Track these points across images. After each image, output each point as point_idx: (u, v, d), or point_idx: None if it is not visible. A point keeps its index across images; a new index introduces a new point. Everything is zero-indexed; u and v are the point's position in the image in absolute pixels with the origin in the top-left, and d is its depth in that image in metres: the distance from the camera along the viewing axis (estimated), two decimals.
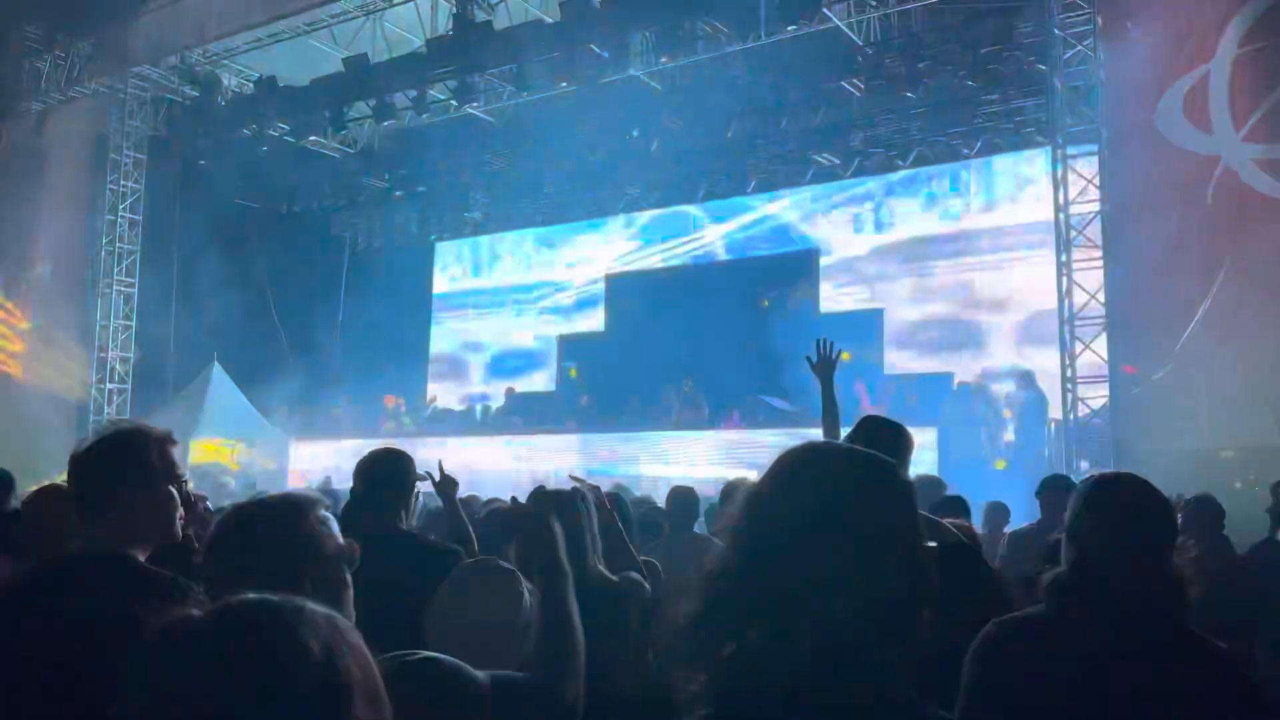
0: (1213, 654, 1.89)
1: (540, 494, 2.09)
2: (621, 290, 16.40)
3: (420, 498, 3.58)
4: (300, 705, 0.93)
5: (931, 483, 4.99)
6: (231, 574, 1.59)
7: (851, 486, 1.26)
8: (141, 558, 2.10)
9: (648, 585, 3.11)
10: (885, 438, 3.17)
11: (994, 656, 1.95)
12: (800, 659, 1.17)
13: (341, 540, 1.73)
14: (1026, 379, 10.98)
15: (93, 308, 14.24)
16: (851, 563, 1.19)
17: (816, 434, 7.80)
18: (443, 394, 17.11)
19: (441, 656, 1.71)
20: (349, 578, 1.71)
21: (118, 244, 14.42)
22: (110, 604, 1.81)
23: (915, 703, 1.21)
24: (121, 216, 14.46)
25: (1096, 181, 9.46)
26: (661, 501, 5.69)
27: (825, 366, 4.39)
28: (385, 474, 3.33)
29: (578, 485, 3.17)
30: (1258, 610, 4.18)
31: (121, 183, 14.48)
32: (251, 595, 1.00)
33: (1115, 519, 1.97)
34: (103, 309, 14.29)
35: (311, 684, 0.94)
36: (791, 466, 1.30)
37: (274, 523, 1.70)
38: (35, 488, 3.26)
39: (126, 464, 2.12)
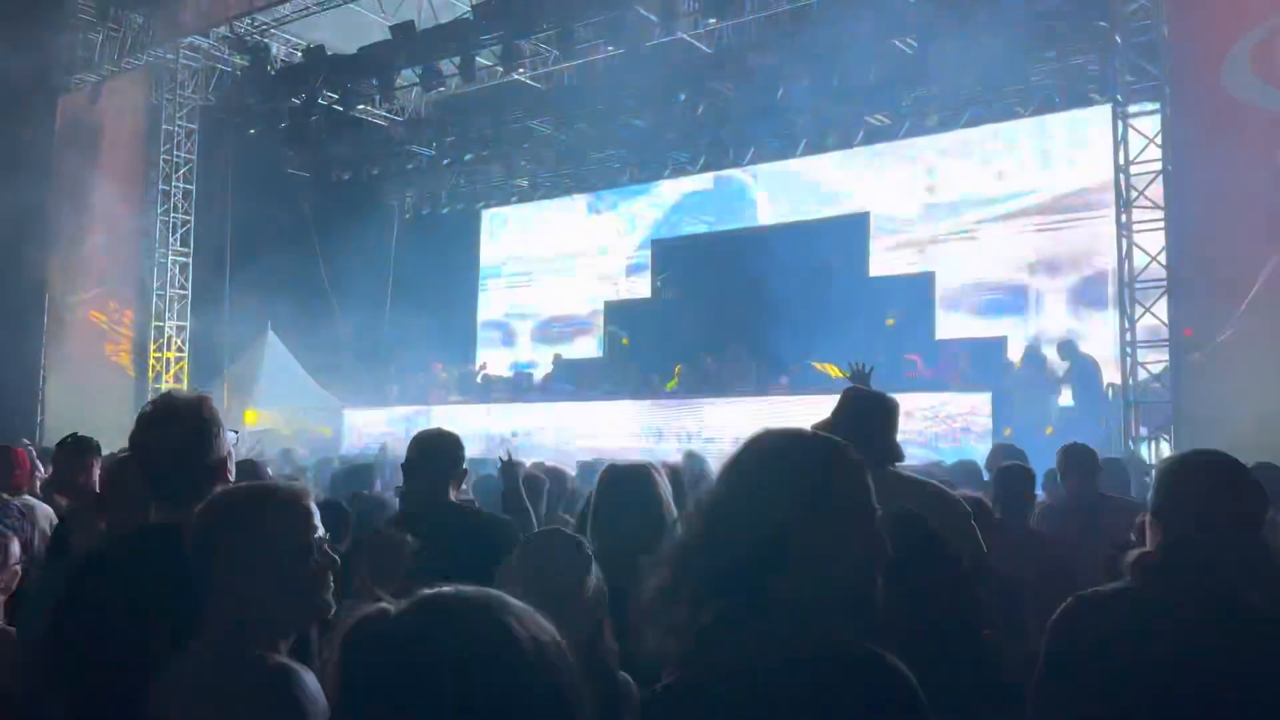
0: None
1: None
2: (669, 256, 16.34)
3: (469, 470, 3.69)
4: (517, 696, 0.95)
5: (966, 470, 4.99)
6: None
7: (812, 469, 1.34)
8: None
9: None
10: (867, 408, 3.27)
11: (1073, 630, 1.92)
12: (764, 632, 1.24)
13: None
14: (1069, 347, 10.78)
15: (149, 277, 14.49)
16: (814, 540, 1.26)
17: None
18: (492, 361, 17.22)
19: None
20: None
21: (172, 214, 14.63)
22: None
23: (875, 655, 1.28)
24: (175, 186, 14.66)
25: (1158, 140, 9.18)
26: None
27: (859, 383, 4.37)
28: (435, 452, 3.52)
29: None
30: None
31: (175, 153, 14.66)
32: (452, 587, 1.02)
33: (1201, 497, 1.93)
34: (158, 278, 14.53)
35: (523, 675, 0.95)
36: (755, 451, 1.39)
37: None
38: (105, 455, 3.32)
39: (190, 435, 2.15)
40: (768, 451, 1.38)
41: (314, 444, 13.59)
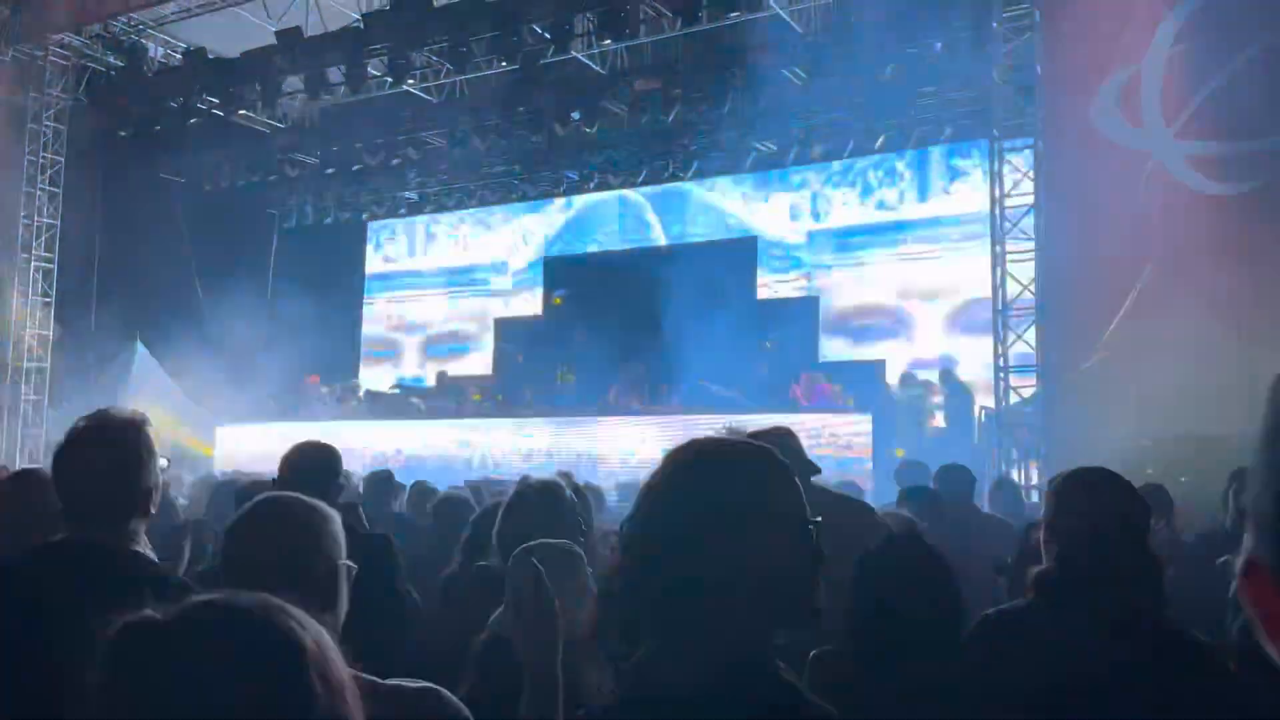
0: (1193, 644, 1.92)
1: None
2: (562, 273, 16.31)
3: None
4: (298, 704, 0.89)
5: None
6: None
7: (745, 477, 1.31)
8: (134, 546, 2.02)
9: None
10: (780, 433, 3.27)
11: (984, 647, 1.96)
12: (695, 667, 1.20)
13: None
14: (946, 373, 11.20)
15: (8, 282, 13.69)
16: (747, 551, 1.23)
17: (756, 420, 7.83)
18: (375, 377, 16.85)
19: None
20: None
21: (36, 217, 13.87)
22: (101, 595, 1.73)
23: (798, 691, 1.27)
24: (40, 189, 13.90)
25: (1031, 175, 9.62)
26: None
27: None
28: (310, 466, 3.32)
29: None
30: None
31: (41, 154, 13.91)
32: (217, 595, 0.95)
33: (1093, 511, 1.99)
34: (19, 284, 13.74)
35: (306, 682, 0.89)
36: (678, 464, 1.35)
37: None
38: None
39: (115, 451, 2.03)
40: (695, 462, 1.34)
41: (191, 464, 13.02)
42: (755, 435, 3.13)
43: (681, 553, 1.23)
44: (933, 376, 11.57)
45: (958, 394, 10.95)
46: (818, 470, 3.29)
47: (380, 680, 1.50)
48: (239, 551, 1.65)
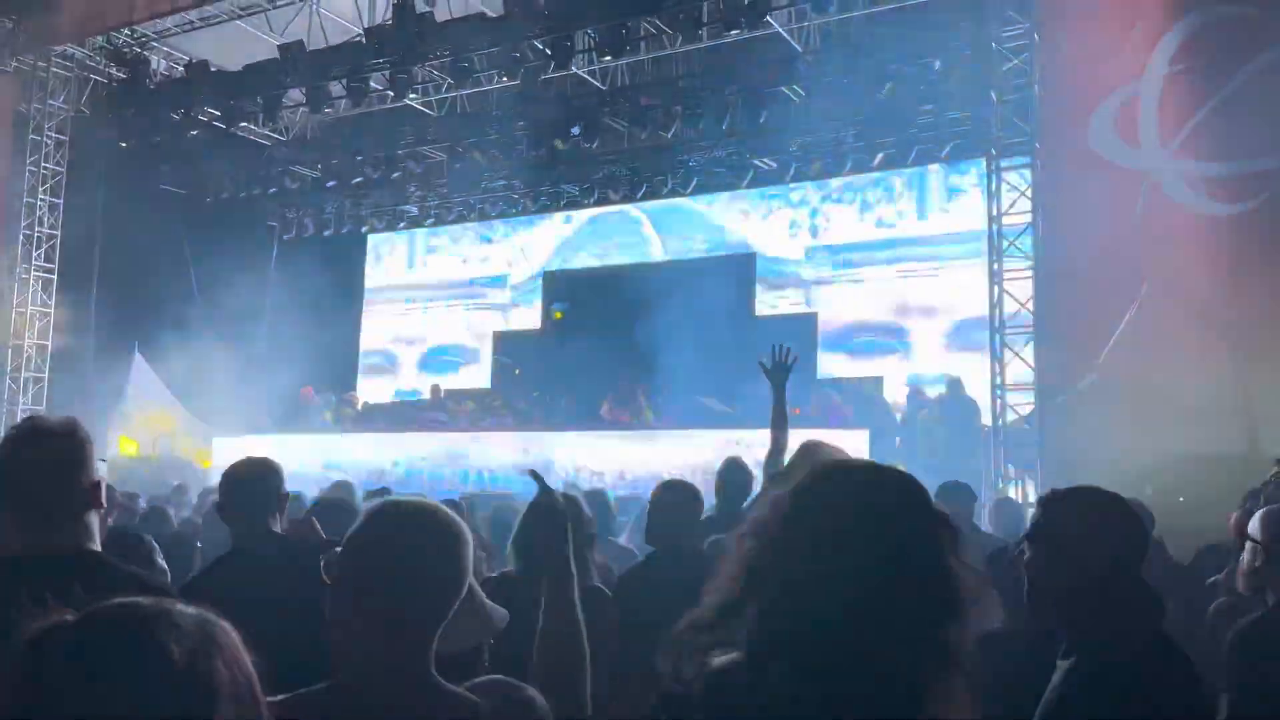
0: (1184, 671, 1.89)
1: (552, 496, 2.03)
2: (561, 287, 16.33)
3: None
4: (159, 709, 0.92)
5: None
6: None
7: (886, 503, 1.26)
8: (89, 544, 2.02)
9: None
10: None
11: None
12: (805, 679, 1.16)
13: None
14: (955, 385, 11.13)
15: (9, 293, 13.68)
16: (869, 580, 1.18)
17: (753, 436, 7.81)
18: (374, 389, 16.83)
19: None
20: None
21: (37, 228, 13.87)
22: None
23: None
24: (41, 199, 13.91)
25: (1029, 193, 9.65)
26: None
27: (779, 372, 4.37)
28: (248, 487, 3.26)
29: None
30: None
31: (43, 165, 13.93)
32: (122, 599, 0.99)
33: (1076, 532, 1.98)
34: (19, 295, 13.74)
35: (170, 688, 0.93)
36: (826, 480, 1.31)
37: None
38: None
39: (63, 456, 2.02)
40: (845, 492, 1.29)
41: (189, 476, 12.99)
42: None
43: (819, 597, 1.18)
44: (933, 393, 11.56)
45: (964, 409, 10.84)
46: None
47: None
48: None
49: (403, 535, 1.52)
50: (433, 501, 1.63)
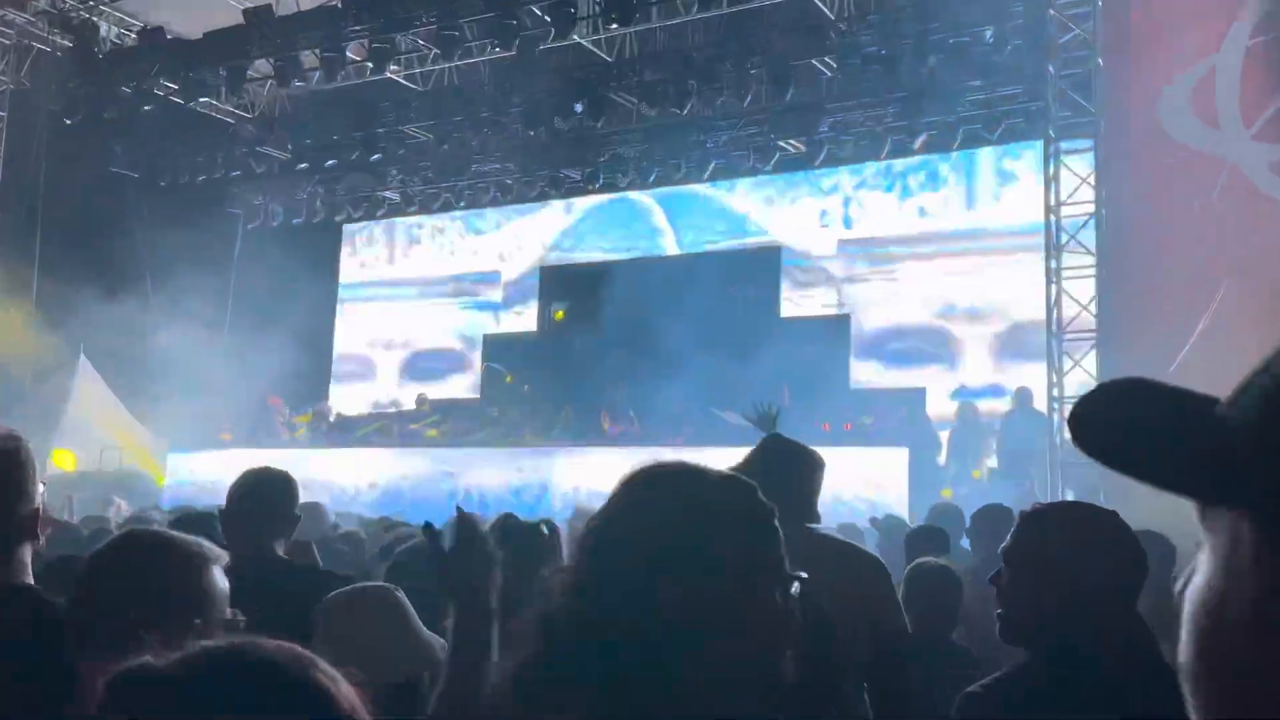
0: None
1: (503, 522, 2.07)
2: (560, 284, 16.33)
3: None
4: None
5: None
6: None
7: (698, 514, 1.26)
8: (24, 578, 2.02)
9: None
10: (786, 457, 3.23)
11: None
12: None
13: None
14: (1024, 398, 11.02)
15: None
16: (714, 610, 1.20)
17: None
18: (349, 399, 16.85)
19: None
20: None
21: None
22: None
23: None
24: None
25: (1092, 180, 9.62)
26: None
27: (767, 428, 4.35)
28: (257, 497, 3.33)
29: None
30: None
31: None
32: (228, 641, 0.97)
33: (1058, 553, 1.99)
34: None
35: None
36: (631, 493, 1.32)
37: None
38: None
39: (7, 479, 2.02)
40: (654, 496, 1.30)
41: (138, 494, 13.02)
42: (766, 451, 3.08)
43: (627, 603, 1.20)
44: (1002, 403, 11.49)
45: (1035, 427, 10.71)
46: (816, 518, 3.26)
47: None
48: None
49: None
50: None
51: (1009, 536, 2.09)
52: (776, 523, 1.32)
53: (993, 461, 11.12)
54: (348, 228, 18.19)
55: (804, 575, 1.31)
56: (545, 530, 3.07)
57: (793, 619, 1.27)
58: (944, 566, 4.08)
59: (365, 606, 2.51)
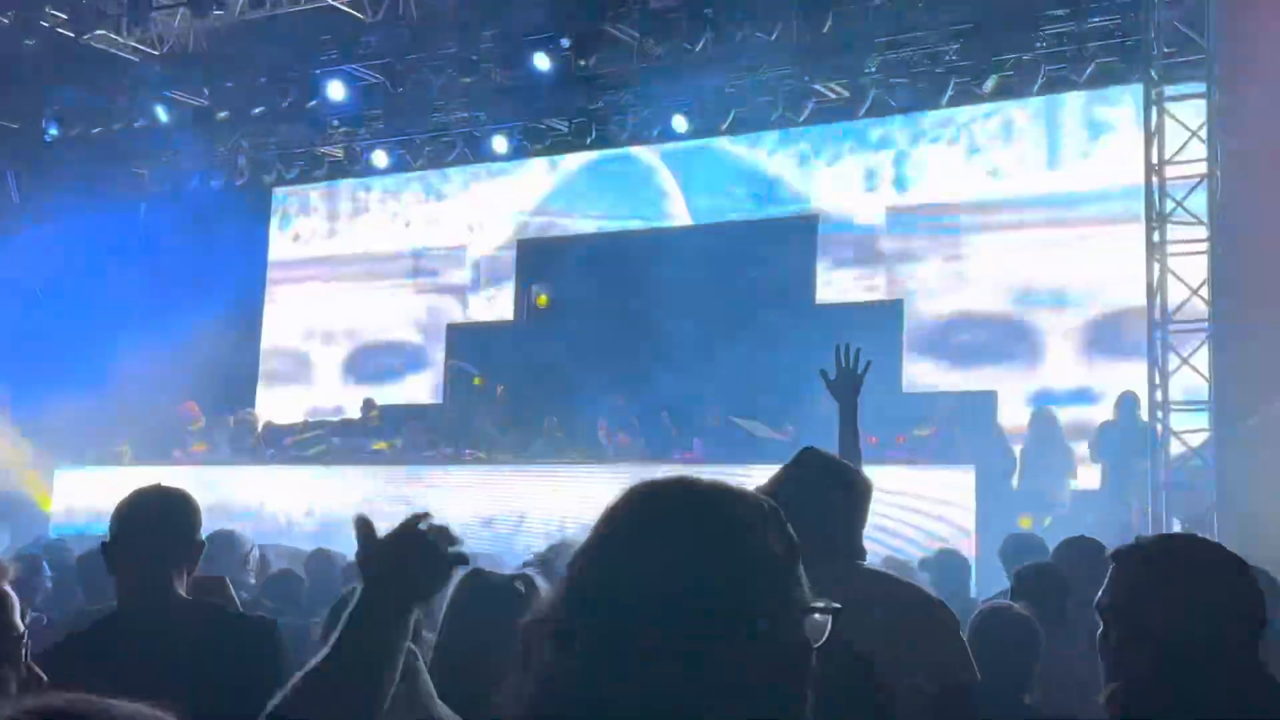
0: None
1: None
2: (540, 263, 16.32)
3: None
4: None
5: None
6: None
7: (707, 549, 1.28)
8: None
9: None
10: (825, 480, 3.26)
11: None
12: None
13: None
14: (1129, 405, 10.97)
15: None
16: (724, 659, 1.24)
17: None
18: (280, 405, 16.86)
19: None
20: None
21: None
22: None
23: None
24: None
25: (1203, 134, 9.61)
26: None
27: (846, 384, 4.37)
28: (152, 523, 3.31)
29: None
30: None
31: None
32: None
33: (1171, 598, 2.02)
34: None
35: None
36: (626, 518, 1.34)
37: None
38: None
39: None
40: (653, 526, 1.33)
41: (19, 521, 13.06)
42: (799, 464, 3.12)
43: (625, 656, 1.25)
44: (1100, 411, 11.45)
45: (1133, 438, 10.68)
46: (861, 554, 3.28)
47: None
48: None
49: None
50: None
51: (1106, 583, 2.10)
52: (800, 566, 1.34)
53: (1078, 482, 11.11)
54: (278, 192, 18.17)
55: (836, 607, 1.33)
56: (521, 588, 3.11)
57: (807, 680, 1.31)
58: (1020, 613, 4.09)
59: None
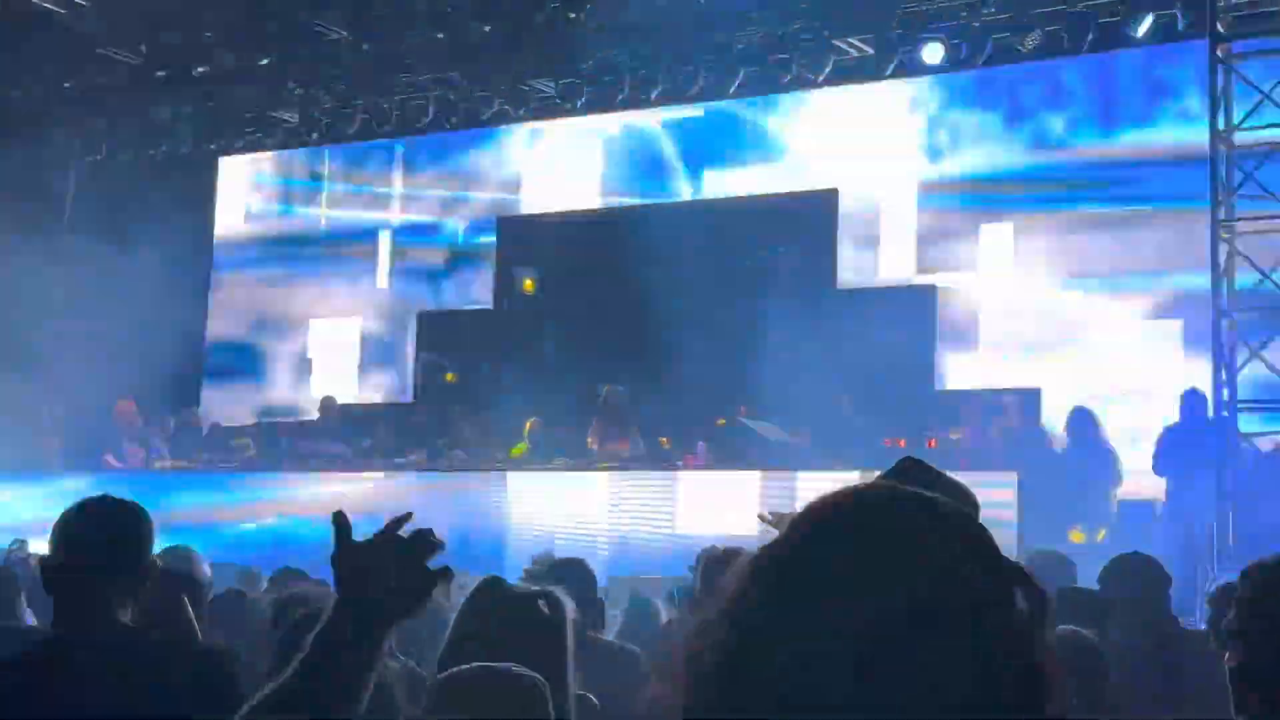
0: None
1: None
2: (524, 242, 16.32)
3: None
4: None
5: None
6: None
7: (938, 560, 1.26)
8: None
9: None
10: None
11: None
12: None
13: None
14: (1195, 403, 10.91)
15: None
16: (939, 683, 1.19)
17: (823, 479, 7.80)
18: (227, 403, 16.88)
19: None
20: None
21: None
22: None
23: None
24: None
25: (1276, 96, 9.63)
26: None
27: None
28: (94, 540, 3.29)
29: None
30: None
31: None
32: None
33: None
34: None
35: None
36: (830, 527, 1.31)
37: None
38: None
39: None
40: (852, 524, 1.31)
41: None
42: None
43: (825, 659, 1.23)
44: (1157, 411, 11.44)
45: (1197, 441, 10.64)
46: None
47: None
48: None
49: None
50: None
51: (1236, 602, 2.11)
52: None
53: (1127, 490, 11.12)
54: (225, 162, 18.15)
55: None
56: (544, 607, 3.10)
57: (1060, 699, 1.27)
58: (1087, 641, 4.11)
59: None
